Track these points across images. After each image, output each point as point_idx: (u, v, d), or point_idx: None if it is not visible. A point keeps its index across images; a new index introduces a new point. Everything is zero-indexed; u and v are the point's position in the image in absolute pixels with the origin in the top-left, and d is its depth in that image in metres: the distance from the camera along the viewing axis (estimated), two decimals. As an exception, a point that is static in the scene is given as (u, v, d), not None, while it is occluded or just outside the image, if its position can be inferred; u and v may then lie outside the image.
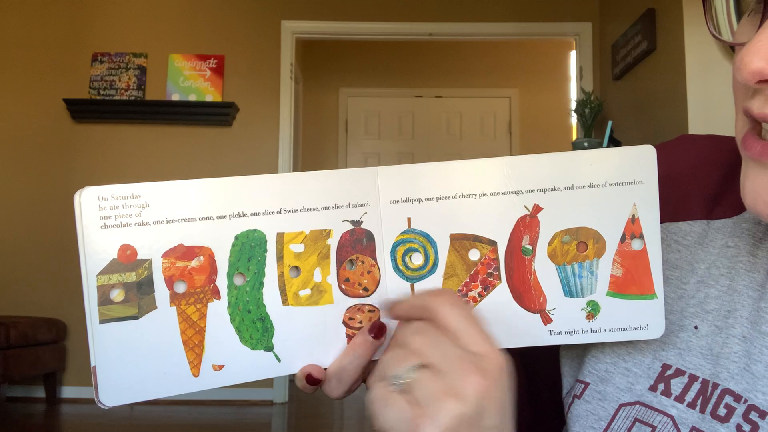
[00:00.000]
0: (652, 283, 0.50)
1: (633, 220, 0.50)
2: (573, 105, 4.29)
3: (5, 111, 4.25)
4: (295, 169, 4.58)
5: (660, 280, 0.50)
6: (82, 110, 4.24)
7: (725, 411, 0.48)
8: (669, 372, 0.52)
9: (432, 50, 5.76)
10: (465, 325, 0.44)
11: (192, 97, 4.26)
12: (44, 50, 4.27)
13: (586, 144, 3.65)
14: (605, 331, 0.51)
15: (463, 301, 0.48)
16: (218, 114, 4.24)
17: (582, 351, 0.59)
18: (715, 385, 0.50)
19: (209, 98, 4.25)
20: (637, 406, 0.52)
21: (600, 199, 0.49)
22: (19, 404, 4.03)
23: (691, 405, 0.50)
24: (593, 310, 0.50)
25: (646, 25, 3.47)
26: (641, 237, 0.50)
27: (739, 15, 0.46)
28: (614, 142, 3.53)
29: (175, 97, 4.25)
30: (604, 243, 0.50)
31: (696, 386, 0.50)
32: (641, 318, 0.50)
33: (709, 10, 0.46)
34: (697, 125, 2.96)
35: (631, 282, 0.50)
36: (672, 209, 0.58)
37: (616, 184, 0.49)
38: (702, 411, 0.49)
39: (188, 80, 4.27)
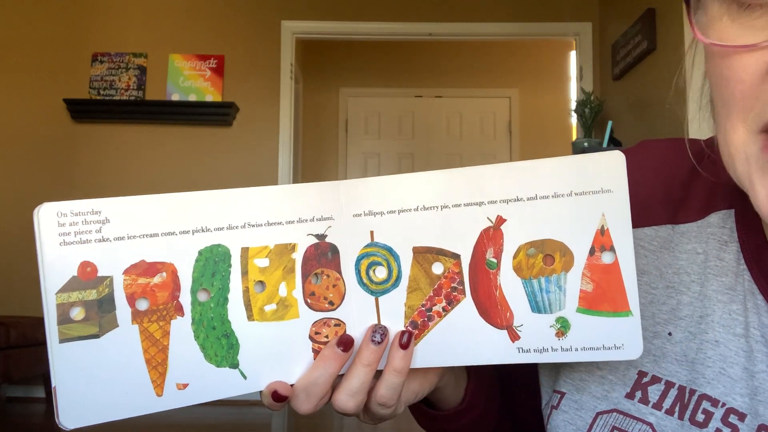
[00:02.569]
0: (626, 299, 0.47)
1: (602, 232, 0.47)
2: (573, 105, 4.28)
3: (5, 111, 4.25)
4: (296, 169, 4.58)
5: (635, 297, 0.47)
6: (82, 110, 4.24)
7: (703, 417, 0.48)
8: (645, 379, 0.52)
9: (432, 50, 5.75)
10: None
11: (192, 97, 4.26)
12: (44, 50, 4.28)
13: (586, 144, 3.64)
14: (576, 349, 0.48)
15: None
16: (218, 114, 4.24)
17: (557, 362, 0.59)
18: (692, 392, 0.50)
19: (209, 98, 4.25)
20: (615, 414, 0.52)
21: (565, 209, 0.47)
22: (19, 404, 4.03)
23: (669, 412, 0.50)
24: (563, 327, 0.48)
25: (646, 25, 3.45)
26: (612, 250, 0.47)
27: (729, 16, 0.43)
28: (614, 142, 3.52)
29: (175, 97, 4.25)
30: (571, 256, 0.47)
31: (673, 393, 0.50)
32: (616, 337, 0.47)
33: (694, 12, 0.45)
34: (697, 125, 2.95)
35: (602, 297, 0.47)
36: (636, 215, 0.57)
37: (582, 194, 0.47)
38: (680, 418, 0.49)
39: (188, 80, 4.27)
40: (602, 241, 0.47)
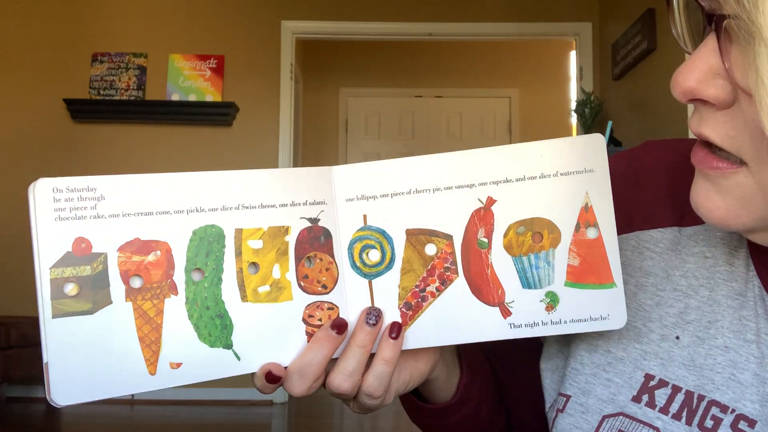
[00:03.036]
0: (610, 271, 0.50)
1: (587, 209, 0.50)
2: (573, 105, 4.28)
3: (5, 111, 4.26)
4: (295, 169, 4.58)
5: (618, 269, 0.50)
6: (82, 110, 4.24)
7: (712, 422, 0.48)
8: (652, 383, 0.51)
9: (432, 50, 5.75)
10: None
11: (192, 97, 4.26)
12: (44, 50, 4.28)
13: (585, 144, 3.63)
14: (565, 322, 0.50)
15: None
16: (218, 114, 4.24)
17: (562, 363, 0.59)
18: (701, 397, 0.49)
19: (209, 98, 4.25)
20: (621, 417, 0.52)
21: (552, 188, 0.49)
22: (19, 404, 4.03)
23: (677, 417, 0.50)
24: (552, 301, 0.50)
25: (646, 25, 3.45)
26: (596, 225, 0.50)
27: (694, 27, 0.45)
28: (614, 142, 3.52)
29: (175, 97, 4.26)
30: (559, 233, 0.50)
31: (680, 397, 0.50)
32: (601, 308, 0.50)
33: (673, 19, 0.46)
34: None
35: (588, 271, 0.50)
36: (642, 217, 0.57)
37: (567, 174, 0.49)
38: (689, 423, 0.49)
39: (188, 80, 4.28)
40: (587, 218, 0.50)
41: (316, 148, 5.84)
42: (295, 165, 4.58)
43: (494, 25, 4.41)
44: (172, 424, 3.70)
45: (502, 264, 0.50)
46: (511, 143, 4.99)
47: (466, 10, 4.40)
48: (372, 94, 5.93)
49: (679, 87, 0.42)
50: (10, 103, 4.26)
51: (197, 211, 0.46)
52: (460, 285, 0.50)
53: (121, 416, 3.73)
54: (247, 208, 0.47)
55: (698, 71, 0.41)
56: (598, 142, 0.50)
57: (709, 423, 0.48)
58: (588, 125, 3.91)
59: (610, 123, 3.48)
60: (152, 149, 4.27)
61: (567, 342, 0.59)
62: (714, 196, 0.44)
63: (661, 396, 0.51)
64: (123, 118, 4.27)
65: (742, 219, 0.43)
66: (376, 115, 5.96)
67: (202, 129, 4.29)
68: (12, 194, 4.21)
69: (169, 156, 4.26)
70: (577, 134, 4.24)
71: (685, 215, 0.56)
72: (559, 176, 0.49)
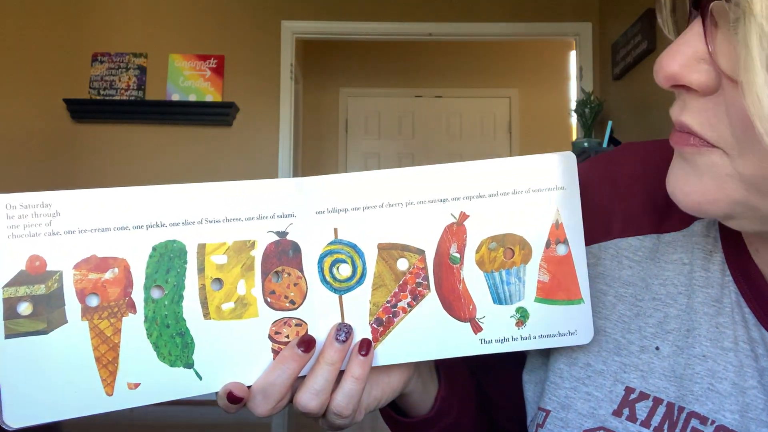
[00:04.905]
0: (579, 287, 0.50)
1: (557, 226, 0.50)
2: (573, 105, 4.27)
3: (5, 111, 4.26)
4: (296, 169, 4.58)
5: (586, 285, 0.51)
6: (82, 110, 4.24)
7: None
8: (633, 396, 0.51)
9: (432, 50, 5.74)
10: None
11: (192, 97, 4.26)
12: (44, 50, 4.28)
13: (586, 144, 3.62)
14: (535, 337, 0.51)
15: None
16: (218, 114, 4.24)
17: (543, 377, 0.58)
18: (681, 409, 0.48)
19: (209, 98, 4.25)
20: (601, 431, 0.51)
21: (524, 205, 0.50)
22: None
23: (658, 430, 0.49)
24: (522, 316, 0.50)
25: (646, 25, 3.44)
26: (565, 242, 0.50)
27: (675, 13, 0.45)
28: (614, 142, 3.51)
29: (175, 97, 4.25)
30: (530, 249, 0.50)
31: (661, 410, 0.49)
32: (569, 323, 0.51)
33: (659, 6, 0.45)
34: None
35: (557, 287, 0.50)
36: (621, 224, 0.56)
37: (538, 190, 0.50)
38: None
39: (188, 80, 4.27)
40: (557, 234, 0.50)
41: (316, 148, 5.83)
42: (295, 165, 4.58)
43: (494, 25, 4.39)
44: (172, 424, 3.69)
45: (473, 279, 0.50)
46: (511, 143, 4.99)
47: (466, 10, 4.39)
48: (372, 94, 5.92)
49: (662, 71, 0.41)
50: (10, 103, 4.26)
51: (157, 226, 0.45)
52: (431, 300, 0.50)
53: (121, 416, 3.72)
54: (210, 222, 0.46)
55: (682, 56, 0.40)
56: (569, 160, 0.50)
57: None
58: (588, 125, 3.90)
59: (610, 123, 3.46)
60: (152, 149, 4.27)
61: (548, 355, 0.58)
62: (692, 178, 0.43)
63: (642, 409, 0.50)
64: (123, 118, 4.27)
65: (719, 204, 0.42)
66: (376, 115, 5.95)
67: (202, 129, 4.29)
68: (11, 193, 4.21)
69: (169, 156, 4.26)
70: (577, 134, 4.23)
71: (664, 221, 0.55)
72: (531, 193, 0.50)
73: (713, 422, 0.47)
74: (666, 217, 0.55)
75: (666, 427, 0.48)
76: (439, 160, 5.77)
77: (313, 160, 5.73)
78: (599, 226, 0.56)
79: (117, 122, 4.29)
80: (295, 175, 4.58)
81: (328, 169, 5.83)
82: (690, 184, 0.43)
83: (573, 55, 4.59)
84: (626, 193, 0.57)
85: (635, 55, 3.60)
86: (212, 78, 4.26)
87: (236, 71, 4.30)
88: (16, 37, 4.28)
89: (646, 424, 0.49)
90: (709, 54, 0.39)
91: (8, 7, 4.30)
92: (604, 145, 3.45)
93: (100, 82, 4.28)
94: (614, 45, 3.99)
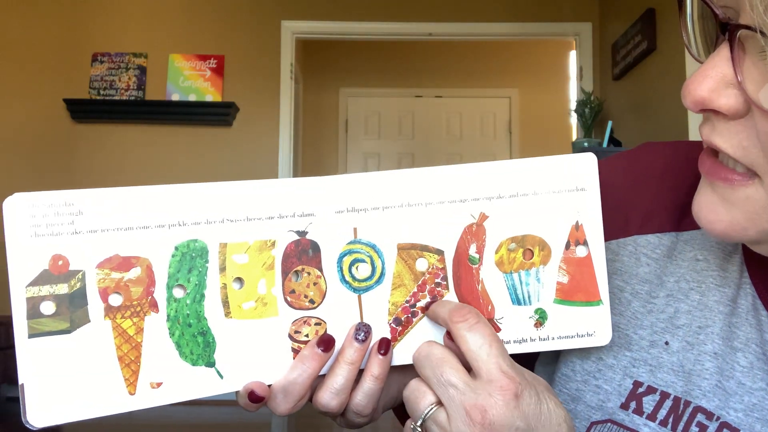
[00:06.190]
0: (598, 289, 0.50)
1: (577, 227, 0.50)
2: (573, 105, 4.27)
3: (5, 111, 4.25)
4: (296, 169, 4.58)
5: (605, 287, 0.50)
6: (82, 110, 4.24)
7: (697, 429, 0.48)
8: (641, 390, 0.51)
9: (432, 50, 5.74)
10: (480, 354, 0.44)
11: (192, 97, 4.25)
12: (44, 50, 4.28)
13: (585, 144, 3.63)
14: (553, 338, 0.51)
15: (482, 321, 0.47)
16: (218, 114, 4.24)
17: (553, 368, 0.58)
18: (687, 403, 0.49)
19: (209, 98, 4.25)
20: (609, 424, 0.51)
21: (544, 206, 0.49)
22: (19, 404, 4.03)
23: (663, 423, 0.49)
24: (541, 318, 0.50)
25: (646, 25, 3.44)
26: (585, 244, 0.50)
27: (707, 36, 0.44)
28: (614, 142, 3.51)
29: (175, 97, 4.25)
30: (549, 250, 0.50)
31: (668, 404, 0.50)
32: (588, 325, 0.51)
33: (685, 25, 0.45)
34: (697, 126, 2.93)
35: (576, 289, 0.50)
36: (640, 221, 0.56)
37: (559, 192, 0.49)
38: (674, 429, 0.49)
39: (188, 80, 4.27)
40: (577, 236, 0.50)
41: (316, 148, 5.83)
42: (295, 165, 4.57)
43: (494, 25, 4.40)
44: (172, 424, 3.69)
45: (492, 280, 0.50)
46: (511, 143, 4.98)
47: (466, 10, 4.39)
48: (372, 94, 5.92)
49: (690, 96, 0.41)
50: (10, 103, 4.25)
51: (179, 225, 0.45)
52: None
53: (122, 416, 3.71)
54: (231, 221, 0.46)
55: (710, 80, 0.40)
56: (590, 161, 0.50)
57: (694, 430, 0.48)
58: (588, 125, 3.90)
59: (609, 123, 3.47)
60: (152, 149, 4.27)
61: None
62: (719, 208, 0.43)
63: (648, 403, 0.50)
64: (123, 118, 4.26)
65: (747, 232, 0.42)
66: (376, 115, 5.95)
67: (202, 129, 4.29)
68: (11, 194, 4.20)
69: (169, 156, 4.25)
70: (577, 134, 4.23)
71: (683, 219, 0.55)
72: (551, 194, 0.49)
73: (718, 418, 0.47)
74: (686, 215, 0.55)
75: (671, 420, 0.49)
76: (439, 160, 5.77)
77: (313, 160, 5.72)
78: (618, 222, 0.57)
79: (117, 122, 4.29)
80: (295, 175, 4.58)
81: (329, 169, 5.83)
82: (716, 213, 0.43)
83: (573, 55, 4.59)
84: (647, 191, 0.57)
85: (635, 55, 3.61)
86: (212, 78, 4.26)
87: (236, 71, 4.30)
88: (16, 38, 4.28)
89: (651, 417, 0.50)
90: (737, 80, 0.38)
91: (8, 6, 4.29)
92: (604, 145, 3.45)
93: (100, 82, 4.27)
94: (614, 45, 3.99)
